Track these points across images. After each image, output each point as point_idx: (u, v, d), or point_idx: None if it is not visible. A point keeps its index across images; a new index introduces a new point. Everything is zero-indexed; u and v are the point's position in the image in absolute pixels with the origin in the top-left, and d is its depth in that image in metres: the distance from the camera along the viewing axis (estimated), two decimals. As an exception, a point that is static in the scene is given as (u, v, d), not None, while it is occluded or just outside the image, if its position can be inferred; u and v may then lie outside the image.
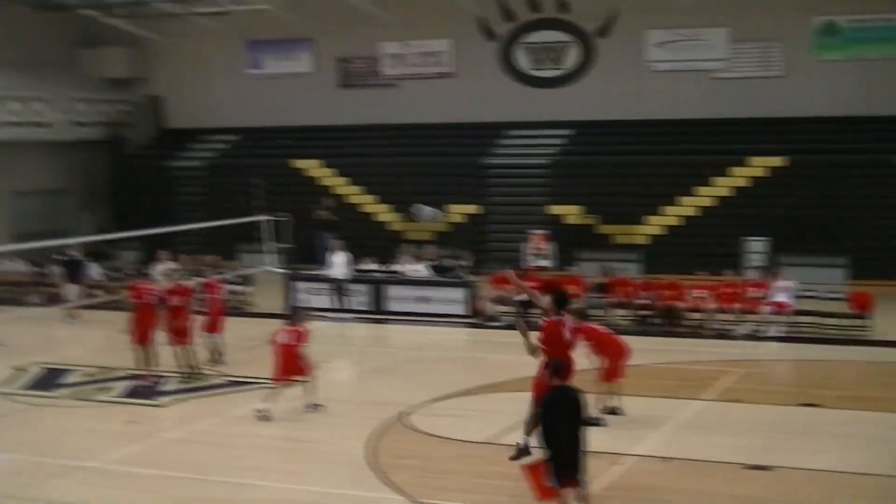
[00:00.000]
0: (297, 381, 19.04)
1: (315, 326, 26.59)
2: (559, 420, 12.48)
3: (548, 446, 12.42)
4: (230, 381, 21.64)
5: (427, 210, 24.66)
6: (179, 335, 21.70)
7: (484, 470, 15.59)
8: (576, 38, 38.64)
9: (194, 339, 22.12)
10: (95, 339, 26.52)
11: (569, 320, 15.81)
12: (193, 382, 21.44)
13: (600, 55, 38.34)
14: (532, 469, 12.89)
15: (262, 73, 43.17)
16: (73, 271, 30.10)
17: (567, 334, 15.59)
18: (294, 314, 20.30)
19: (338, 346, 26.32)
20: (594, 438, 13.04)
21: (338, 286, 28.74)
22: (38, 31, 41.61)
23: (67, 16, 41.47)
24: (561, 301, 15.90)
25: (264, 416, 18.63)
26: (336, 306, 28.70)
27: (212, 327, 23.20)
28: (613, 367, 18.01)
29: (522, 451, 15.26)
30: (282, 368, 18.91)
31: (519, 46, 39.39)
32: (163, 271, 26.47)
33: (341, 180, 39.34)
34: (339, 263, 28.82)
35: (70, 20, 42.40)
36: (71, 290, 29.46)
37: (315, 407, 19.03)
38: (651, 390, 20.05)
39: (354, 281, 29.13)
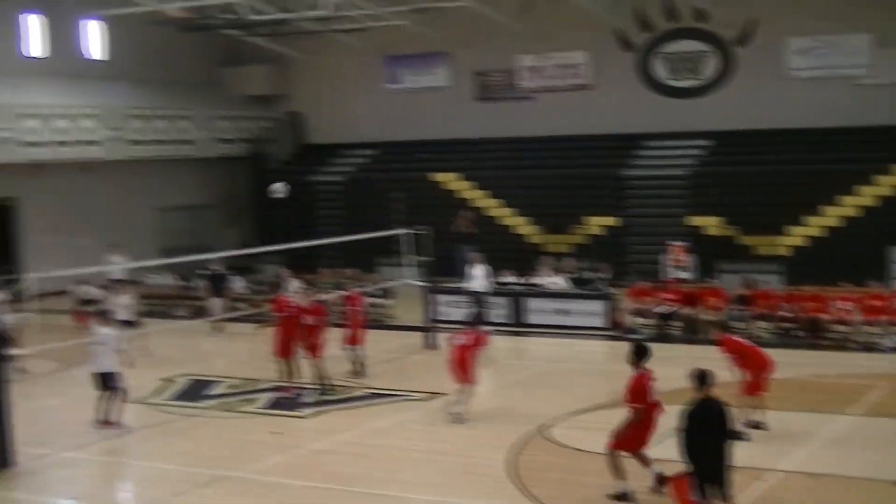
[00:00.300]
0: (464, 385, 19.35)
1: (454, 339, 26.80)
2: (704, 433, 12.31)
3: (691, 459, 12.28)
4: (371, 392, 21.83)
5: (278, 186, 24.72)
6: (312, 351, 21.91)
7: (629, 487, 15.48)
8: (714, 47, 38.22)
9: (328, 352, 22.27)
10: (240, 351, 26.99)
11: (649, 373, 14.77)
12: (335, 394, 21.68)
13: (740, 64, 37.85)
14: (676, 482, 12.75)
15: (400, 88, 43.54)
16: (217, 285, 30.67)
17: (651, 388, 14.64)
18: (474, 319, 20.59)
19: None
20: (737, 452, 12.88)
21: (477, 299, 28.79)
22: (183, 51, 42.62)
23: (211, 36, 42.39)
24: (640, 353, 14.96)
25: (458, 419, 19.09)
26: (476, 319, 28.66)
27: (353, 340, 23.44)
28: (756, 380, 17.72)
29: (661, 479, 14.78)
30: (458, 370, 19.30)
31: (657, 57, 39.10)
32: (295, 289, 26.83)
33: (480, 193, 39.46)
34: (478, 276, 28.86)
35: (213, 40, 43.34)
36: (215, 304, 30.00)
37: (459, 417, 19.14)
38: (795, 404, 19.72)
39: (494, 294, 29.16)
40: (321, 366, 21.86)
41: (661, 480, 14.44)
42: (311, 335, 21.78)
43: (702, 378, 12.83)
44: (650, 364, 14.88)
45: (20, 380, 22.49)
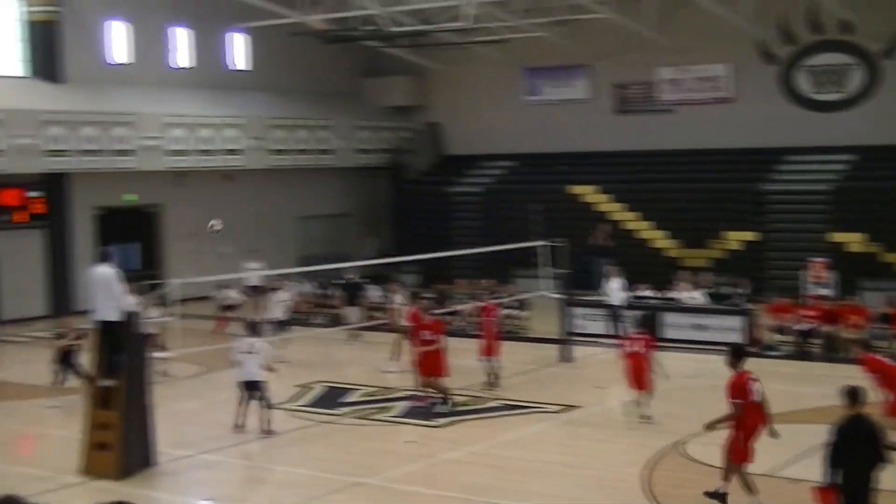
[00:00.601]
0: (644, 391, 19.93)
1: (591, 352, 26.70)
2: (852, 449, 12.05)
3: (837, 474, 12.05)
4: (505, 404, 21.82)
5: (214, 223, 24.46)
6: (425, 366, 21.64)
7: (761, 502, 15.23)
8: (860, 59, 37.46)
9: (462, 362, 22.32)
10: (375, 359, 27.20)
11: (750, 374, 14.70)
12: (468, 405, 21.72)
13: (886, 77, 37.04)
14: (821, 494, 12.50)
15: (538, 100, 43.53)
16: (353, 294, 30.94)
17: (751, 387, 14.54)
18: (644, 325, 20.83)
19: (613, 371, 26.19)
20: (884, 475, 12.56)
21: (614, 312, 28.60)
22: (324, 63, 43.19)
23: (352, 47, 42.89)
24: (738, 354, 14.93)
25: (647, 420, 19.60)
26: (612, 332, 28.51)
27: (489, 351, 23.43)
28: None
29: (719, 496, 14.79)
30: (633, 378, 19.88)
31: (800, 69, 38.46)
32: (400, 302, 27.08)
33: (617, 206, 39.25)
34: (615, 289, 28.67)
35: (354, 51, 43.85)
36: (351, 312, 30.27)
37: (648, 419, 19.74)
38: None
39: (630, 307, 28.95)
40: (438, 384, 21.68)
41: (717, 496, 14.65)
42: (427, 351, 21.56)
43: (853, 395, 12.52)
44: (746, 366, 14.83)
45: (162, 382, 23.02)
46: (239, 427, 19.57)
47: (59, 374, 22.83)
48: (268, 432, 19.45)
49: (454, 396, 21.65)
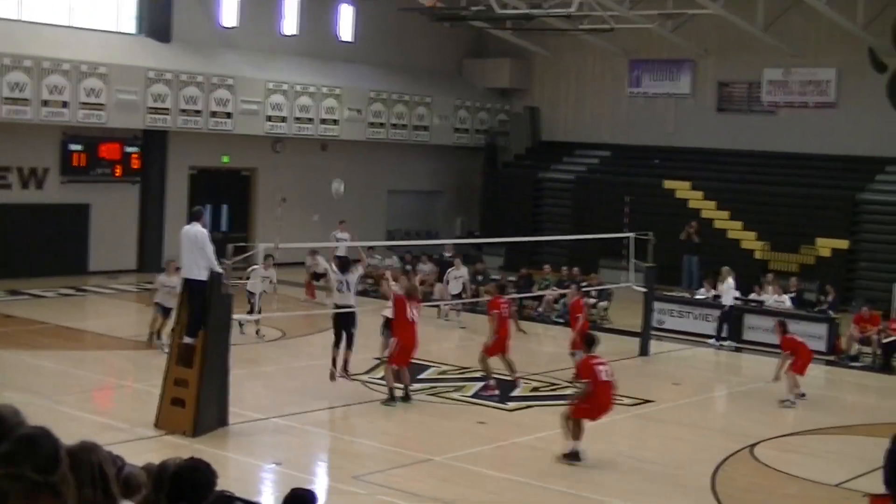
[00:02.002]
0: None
1: (671, 348, 26.60)
2: None
3: (893, 486, 11.92)
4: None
5: (336, 186, 24.04)
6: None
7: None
8: (971, 73, 36.67)
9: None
10: (455, 338, 27.26)
11: None
12: (542, 390, 21.73)
13: None
14: (879, 501, 12.40)
15: (640, 92, 43.26)
16: (444, 271, 31.04)
17: (600, 370, 16.81)
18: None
19: (694, 370, 26.10)
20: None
21: (726, 313, 28.21)
22: (431, 40, 43.18)
23: (459, 27, 42.92)
24: (589, 342, 17.42)
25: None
26: (719, 333, 28.24)
27: (574, 345, 23.18)
28: None
29: None
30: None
31: (909, 79, 37.75)
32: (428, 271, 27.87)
33: (710, 204, 38.89)
34: (728, 290, 28.24)
35: (460, 31, 43.83)
36: (440, 290, 30.38)
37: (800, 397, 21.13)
38: None
39: (714, 307, 28.75)
40: (508, 360, 21.78)
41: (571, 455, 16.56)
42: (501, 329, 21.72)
43: None
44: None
45: (258, 341, 23.49)
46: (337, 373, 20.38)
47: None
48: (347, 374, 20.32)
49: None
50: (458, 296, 29.21)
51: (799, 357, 21.46)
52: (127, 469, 6.39)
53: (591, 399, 16.69)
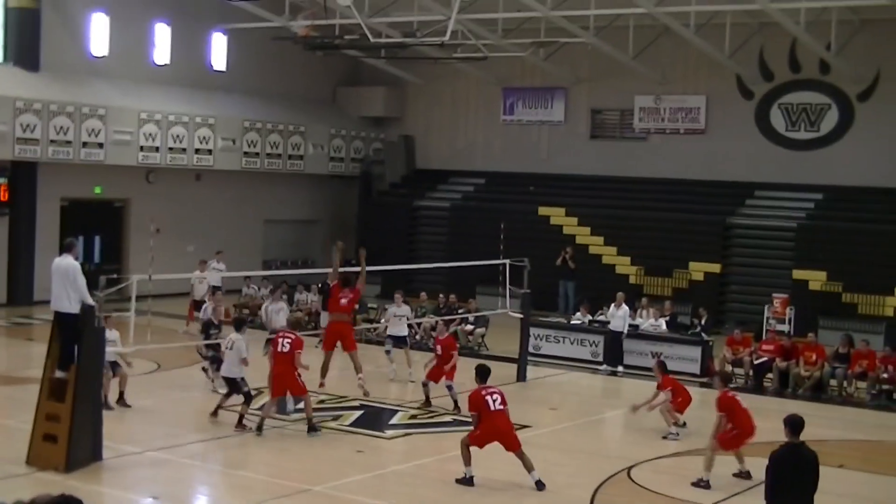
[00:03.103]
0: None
1: (547, 373, 26.76)
2: (787, 478, 12.09)
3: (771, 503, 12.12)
4: (456, 419, 21.79)
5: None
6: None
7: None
8: (835, 100, 37.70)
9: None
10: (334, 367, 27.12)
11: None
12: (420, 418, 21.75)
13: (859, 119, 37.30)
14: None
15: (514, 120, 43.64)
16: (325, 300, 30.78)
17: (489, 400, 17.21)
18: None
19: (570, 394, 26.31)
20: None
21: (615, 338, 28.42)
22: (304, 69, 43.07)
23: (332, 55, 42.91)
24: (482, 374, 17.74)
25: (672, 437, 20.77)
26: (611, 358, 28.45)
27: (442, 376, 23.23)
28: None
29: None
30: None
31: (775, 106, 38.67)
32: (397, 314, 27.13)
33: (585, 230, 39.31)
34: (620, 315, 28.47)
35: (334, 59, 43.81)
36: (324, 317, 30.15)
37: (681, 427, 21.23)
38: (887, 468, 19.36)
39: (591, 332, 29.07)
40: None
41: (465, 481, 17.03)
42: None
43: (794, 424, 12.54)
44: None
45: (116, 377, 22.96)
46: (213, 415, 20.23)
47: None
48: (241, 427, 19.84)
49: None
50: (403, 339, 26.82)
51: (679, 395, 21.64)
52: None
53: (482, 427, 17.11)
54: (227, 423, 19.99)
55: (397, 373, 25.56)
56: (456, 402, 22.38)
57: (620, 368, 28.21)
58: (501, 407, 17.16)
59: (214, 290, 29.61)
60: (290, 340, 20.07)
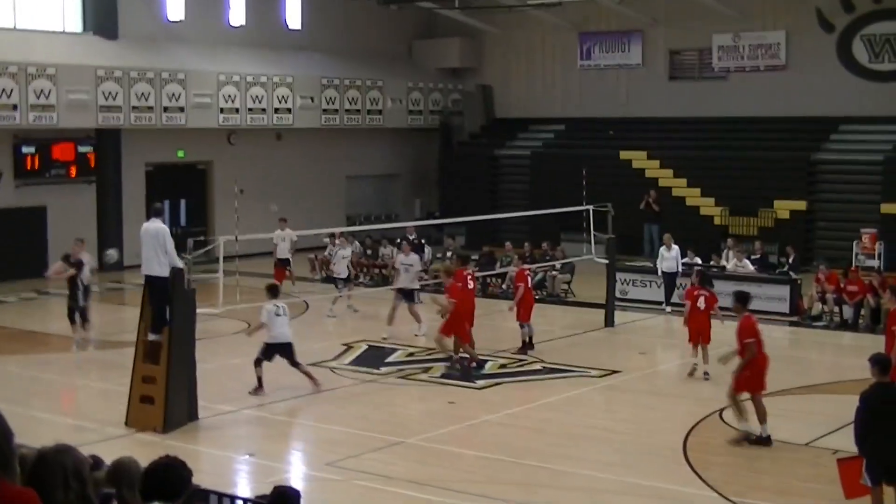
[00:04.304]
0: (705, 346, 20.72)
1: (635, 318, 26.73)
2: (881, 418, 12.05)
3: (863, 444, 12.06)
4: (546, 367, 21.87)
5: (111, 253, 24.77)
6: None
7: (798, 472, 15.28)
8: (918, 29, 36.93)
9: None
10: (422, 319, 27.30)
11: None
12: (510, 367, 21.84)
13: (944, 47, 36.53)
14: (846, 465, 12.56)
15: (591, 65, 43.33)
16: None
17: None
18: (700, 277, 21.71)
19: (659, 338, 26.27)
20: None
21: (669, 280, 28.36)
22: (379, 24, 43.15)
23: (407, 8, 42.86)
24: (744, 300, 17.08)
25: (707, 377, 20.47)
26: (664, 299, 28.40)
27: (521, 316, 23.30)
28: None
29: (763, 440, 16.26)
30: (695, 332, 20.79)
31: (857, 38, 38.00)
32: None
33: (667, 172, 39.01)
34: (671, 257, 28.40)
35: (409, 13, 43.82)
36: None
37: (706, 375, 20.44)
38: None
39: (681, 274, 28.92)
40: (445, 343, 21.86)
41: (751, 440, 16.26)
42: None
43: (882, 363, 12.54)
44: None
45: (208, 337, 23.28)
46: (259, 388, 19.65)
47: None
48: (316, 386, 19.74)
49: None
50: (412, 294, 26.19)
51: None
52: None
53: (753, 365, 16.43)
54: (321, 379, 20.10)
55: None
56: (528, 340, 22.61)
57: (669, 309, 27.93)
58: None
59: (282, 262, 29.68)
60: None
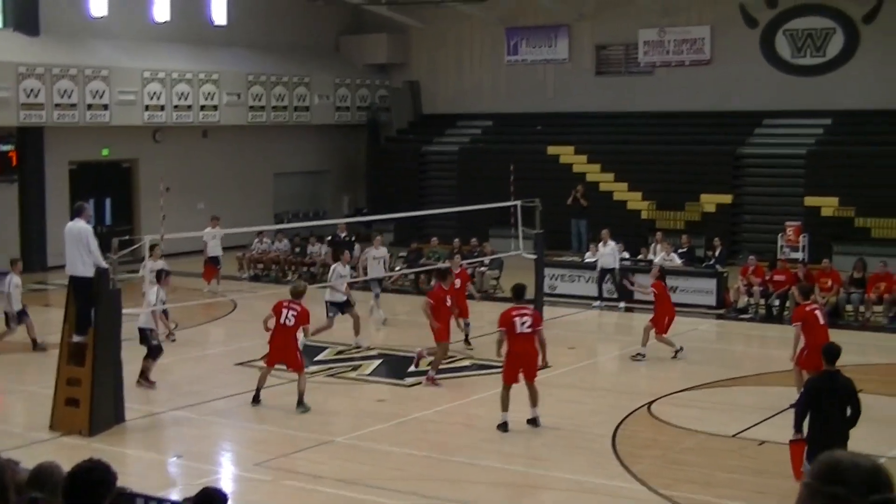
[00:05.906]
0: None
1: (563, 313, 26.81)
2: (824, 404, 12.38)
3: (810, 429, 12.38)
4: (476, 363, 21.89)
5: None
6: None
7: (726, 464, 15.40)
8: (840, 24, 37.41)
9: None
10: (350, 318, 27.19)
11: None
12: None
13: (865, 42, 37.02)
14: (796, 446, 12.81)
15: (518, 60, 43.41)
16: (339, 251, 30.69)
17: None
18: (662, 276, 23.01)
19: (589, 333, 26.38)
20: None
21: (604, 275, 28.49)
22: (306, 19, 42.99)
23: (333, 4, 42.68)
24: (519, 294, 17.94)
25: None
26: (600, 295, 28.55)
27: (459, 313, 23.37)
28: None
29: None
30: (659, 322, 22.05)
31: (780, 33, 38.40)
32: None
33: (595, 167, 39.21)
34: (608, 253, 28.53)
35: (336, 8, 43.66)
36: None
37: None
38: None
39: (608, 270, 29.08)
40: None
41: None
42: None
43: (829, 353, 12.91)
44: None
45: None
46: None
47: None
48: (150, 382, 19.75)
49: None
50: (380, 281, 27.43)
51: (663, 305, 22.79)
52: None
53: (507, 351, 17.26)
54: (252, 379, 19.97)
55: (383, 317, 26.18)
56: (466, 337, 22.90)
57: (623, 305, 28.19)
58: (528, 330, 17.10)
59: (213, 259, 29.57)
60: (294, 313, 18.84)
